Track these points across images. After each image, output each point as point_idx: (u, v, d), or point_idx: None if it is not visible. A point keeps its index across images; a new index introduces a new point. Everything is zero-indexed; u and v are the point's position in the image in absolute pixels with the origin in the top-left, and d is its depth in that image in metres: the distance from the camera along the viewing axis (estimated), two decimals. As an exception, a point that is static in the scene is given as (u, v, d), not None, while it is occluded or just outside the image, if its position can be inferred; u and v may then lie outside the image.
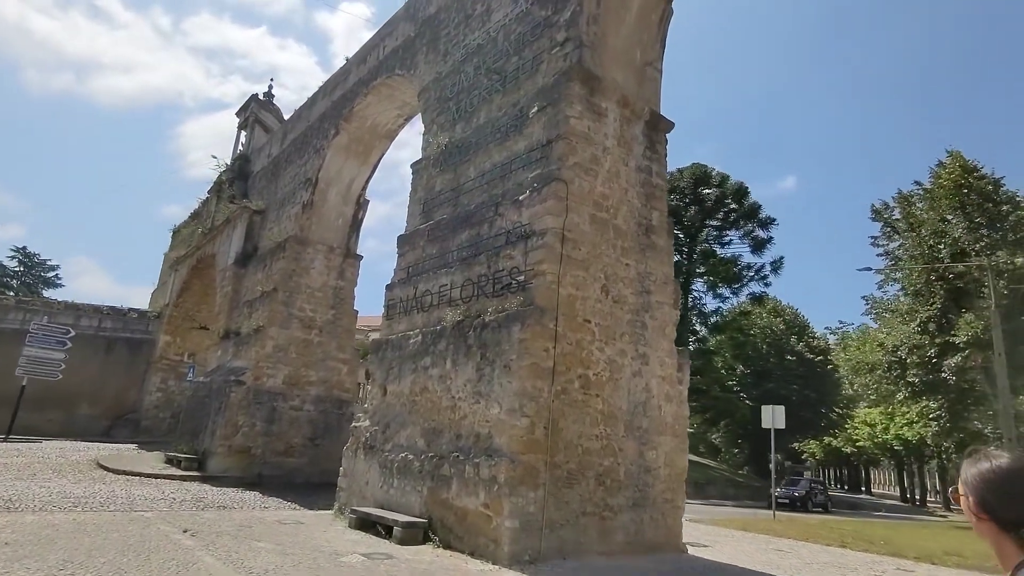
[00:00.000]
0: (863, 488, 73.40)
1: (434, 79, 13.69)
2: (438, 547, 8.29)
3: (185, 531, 8.37)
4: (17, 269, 57.49)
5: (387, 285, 12.12)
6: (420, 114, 14.09)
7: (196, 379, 20.09)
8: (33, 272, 57.92)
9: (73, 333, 25.17)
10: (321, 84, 20.47)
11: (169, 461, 17.11)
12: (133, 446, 22.99)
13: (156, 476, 15.21)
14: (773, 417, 18.00)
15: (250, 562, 6.86)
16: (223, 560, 6.89)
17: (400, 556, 7.62)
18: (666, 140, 11.11)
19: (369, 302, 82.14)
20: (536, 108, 10.04)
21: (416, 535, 8.59)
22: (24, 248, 57.60)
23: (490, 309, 9.22)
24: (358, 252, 19.49)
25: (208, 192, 27.27)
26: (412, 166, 13.04)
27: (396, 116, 18.02)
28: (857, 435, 54.31)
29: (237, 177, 24.78)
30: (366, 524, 9.36)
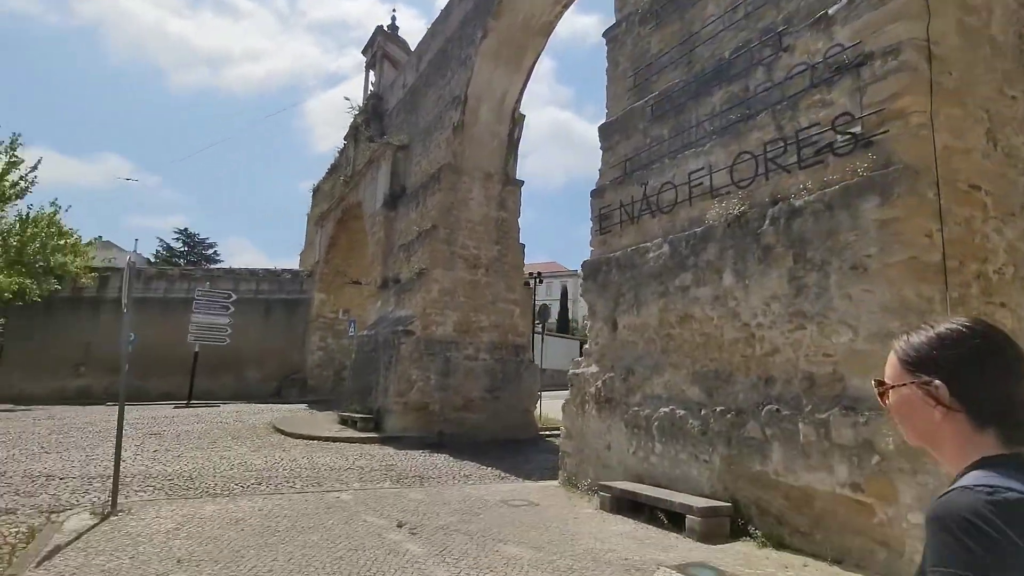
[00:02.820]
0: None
1: (618, -81, 10.25)
2: (764, 546, 5.45)
3: (400, 525, 6.17)
4: (182, 249, 61.66)
5: (592, 191, 9.22)
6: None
7: (359, 334, 18.72)
8: (195, 251, 61.78)
9: (234, 297, 25.05)
10: (454, -10, 17.61)
11: (343, 422, 15.80)
12: (303, 406, 22.51)
13: (334, 439, 13.80)
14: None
15: (520, 588, 4.39)
16: (477, 584, 4.48)
17: (732, 571, 4.85)
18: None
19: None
20: None
21: (721, 527, 5.81)
22: (186, 230, 61.69)
23: (798, 188, 6.00)
24: (518, 177, 16.80)
25: (344, 139, 25.80)
26: (606, 34, 9.86)
27: (553, 2, 14.80)
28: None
29: (372, 117, 22.92)
30: (628, 506, 6.74)
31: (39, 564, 4.86)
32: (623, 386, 7.76)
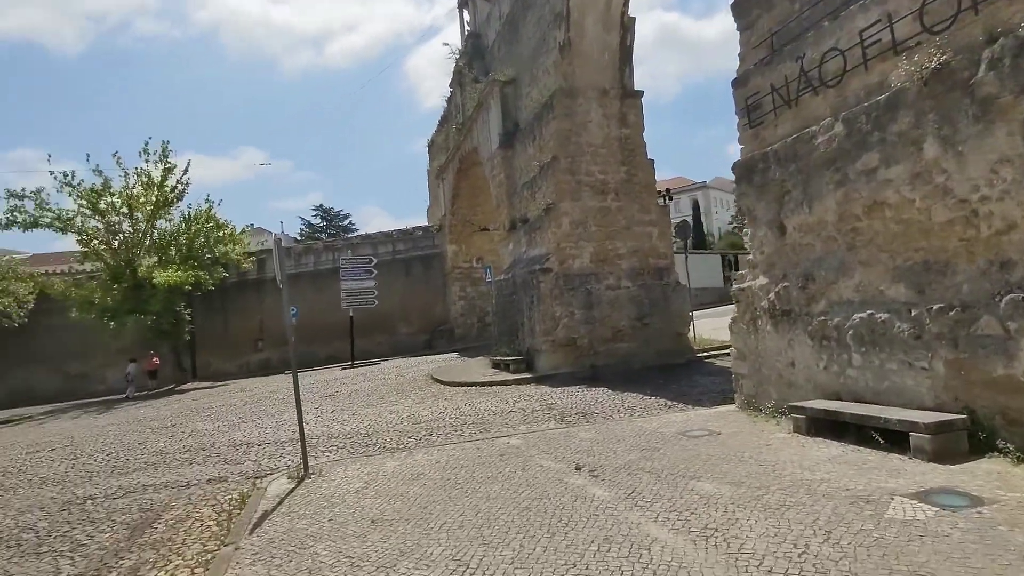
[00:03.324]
0: None
1: None
2: (1021, 461, 4.51)
3: (578, 468, 5.91)
4: (322, 224, 66.10)
5: (733, 81, 8.07)
6: None
7: (496, 279, 18.82)
8: (333, 224, 66.10)
9: (375, 261, 26.26)
10: None
11: (496, 366, 16.06)
12: (454, 355, 23.37)
13: (490, 384, 14.02)
14: None
15: (731, 533, 3.90)
16: (679, 530, 4.06)
17: (990, 495, 4.03)
18: None
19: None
20: None
21: (956, 443, 4.92)
22: (322, 205, 66.13)
23: (1026, 13, 4.65)
24: (637, 88, 15.52)
25: (450, 87, 25.52)
26: None
27: None
28: None
29: (474, 57, 22.31)
30: (827, 428, 5.98)
31: (252, 531, 5.16)
32: (802, 295, 6.84)
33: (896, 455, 5.10)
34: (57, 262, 36.61)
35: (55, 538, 6.23)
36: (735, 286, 8.01)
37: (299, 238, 57.28)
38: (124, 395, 23.36)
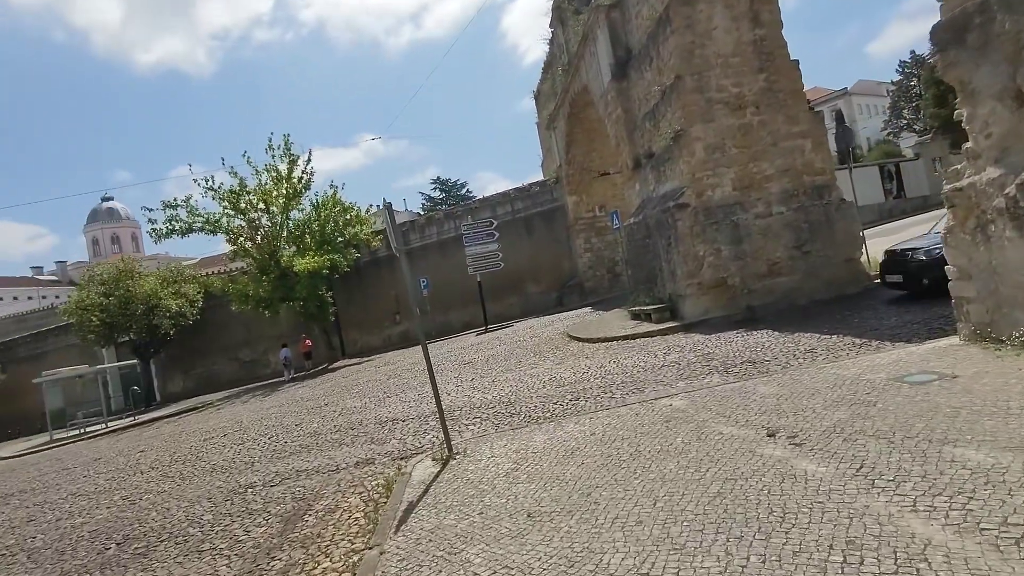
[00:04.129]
0: None
1: None
2: None
3: (771, 434, 4.74)
4: (441, 196, 67.34)
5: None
6: None
7: (624, 225, 17.46)
8: (452, 194, 67.07)
9: (496, 223, 25.74)
10: None
11: (635, 317, 14.88)
12: (587, 309, 22.40)
13: (633, 336, 12.93)
14: None
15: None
16: (961, 526, 2.83)
17: None
18: None
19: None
20: None
21: None
22: (439, 177, 67.29)
23: None
24: (767, -21, 13.24)
25: (550, 27, 23.95)
26: None
27: None
28: None
29: (572, -11, 20.58)
30: None
31: (397, 529, 4.60)
32: (1061, 182, 5.04)
33: None
34: (220, 263, 40.14)
35: (216, 533, 6.17)
36: (947, 186, 6.22)
37: (421, 212, 58.62)
38: (285, 378, 25.02)
